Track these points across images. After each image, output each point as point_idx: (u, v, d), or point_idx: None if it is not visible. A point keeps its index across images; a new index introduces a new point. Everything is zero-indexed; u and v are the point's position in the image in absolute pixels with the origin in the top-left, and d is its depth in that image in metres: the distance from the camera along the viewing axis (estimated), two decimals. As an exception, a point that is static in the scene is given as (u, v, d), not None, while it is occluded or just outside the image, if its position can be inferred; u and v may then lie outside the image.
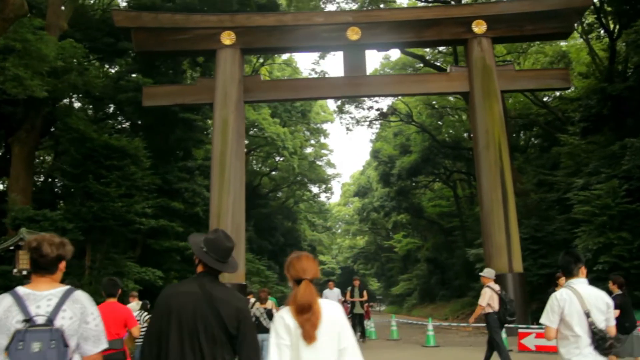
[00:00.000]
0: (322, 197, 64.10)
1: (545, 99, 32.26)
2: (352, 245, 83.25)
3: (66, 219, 14.90)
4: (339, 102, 35.68)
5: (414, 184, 47.94)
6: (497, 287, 9.16)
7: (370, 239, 77.16)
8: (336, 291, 15.11)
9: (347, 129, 37.79)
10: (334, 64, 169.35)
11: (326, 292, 14.94)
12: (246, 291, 15.41)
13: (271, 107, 41.88)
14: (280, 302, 21.93)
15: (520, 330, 12.51)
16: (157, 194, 19.79)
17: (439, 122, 38.53)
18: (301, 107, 42.50)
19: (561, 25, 15.80)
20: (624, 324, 7.83)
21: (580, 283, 4.01)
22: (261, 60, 35.30)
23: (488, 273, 9.46)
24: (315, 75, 35.59)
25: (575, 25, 18.35)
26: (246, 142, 47.68)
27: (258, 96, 16.28)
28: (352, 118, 36.97)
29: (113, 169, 15.67)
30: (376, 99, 35.55)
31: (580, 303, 3.84)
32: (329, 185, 59.92)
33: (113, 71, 20.97)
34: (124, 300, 9.90)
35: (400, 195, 43.81)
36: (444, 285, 49.82)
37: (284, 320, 2.83)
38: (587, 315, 3.80)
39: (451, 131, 36.00)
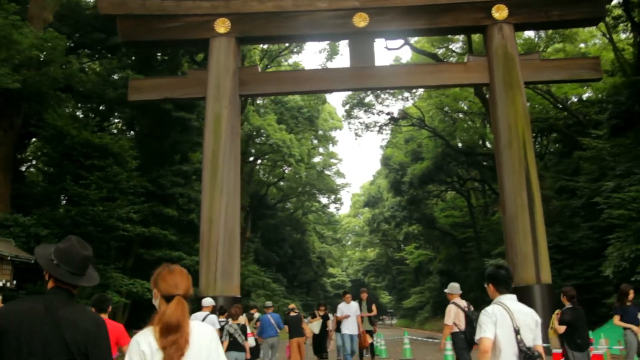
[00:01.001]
0: (332, 208, 62.67)
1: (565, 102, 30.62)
2: (362, 258, 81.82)
3: (41, 225, 13.44)
4: (347, 107, 34.17)
5: (425, 193, 46.37)
6: (463, 303, 8.55)
7: (381, 251, 75.78)
8: (354, 305, 12.98)
9: (356, 134, 36.06)
10: (344, 63, 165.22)
11: (342, 306, 12.96)
12: (240, 304, 13.84)
13: (277, 114, 40.53)
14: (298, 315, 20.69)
15: (554, 351, 10.82)
16: (148, 198, 18.37)
17: (452, 128, 36.89)
18: (308, 112, 41.07)
19: (591, 10, 14.16)
20: (575, 341, 7.34)
21: (510, 299, 3.92)
22: (265, 62, 33.84)
23: (452, 288, 8.85)
24: (324, 90, 34.19)
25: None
26: (252, 150, 46.69)
27: (255, 89, 14.75)
28: (361, 123, 35.51)
29: (94, 170, 14.21)
30: (387, 103, 34.09)
31: (511, 319, 3.76)
32: (338, 196, 58.48)
33: (103, 68, 19.48)
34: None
35: (412, 205, 42.14)
36: (458, 298, 48.28)
37: (139, 345, 2.42)
38: (517, 332, 3.71)
39: (465, 136, 34.29)
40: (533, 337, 3.84)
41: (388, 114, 34.08)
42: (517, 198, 13.13)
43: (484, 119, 33.99)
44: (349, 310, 12.76)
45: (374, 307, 13.67)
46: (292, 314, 13.40)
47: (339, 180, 55.81)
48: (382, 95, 33.23)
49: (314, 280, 65.95)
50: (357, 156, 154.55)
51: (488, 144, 36.29)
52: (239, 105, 14.71)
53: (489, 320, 3.80)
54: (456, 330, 8.43)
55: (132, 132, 19.87)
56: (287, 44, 30.31)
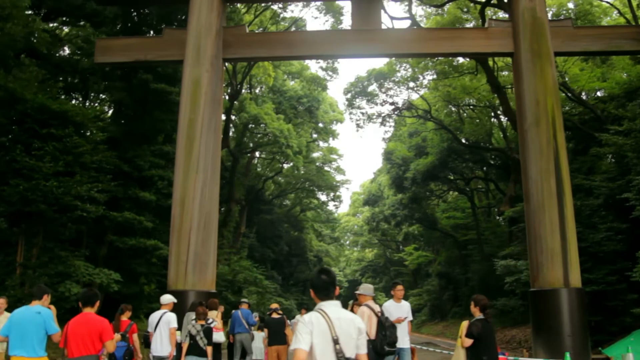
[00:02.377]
0: (331, 206, 60.72)
1: (582, 96, 28.64)
2: (360, 258, 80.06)
3: (-15, 202, 11.48)
4: (349, 95, 32.13)
5: (428, 192, 44.48)
6: (377, 307, 7.72)
7: (380, 251, 74.07)
8: (405, 305, 9.33)
9: (358, 125, 33.91)
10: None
11: (388, 305, 9.12)
12: (217, 300, 11.88)
13: (275, 103, 38.56)
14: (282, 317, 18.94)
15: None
16: (123, 180, 16.40)
17: (458, 123, 34.87)
18: (308, 103, 39.10)
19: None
20: (480, 357, 6.67)
21: (331, 306, 3.70)
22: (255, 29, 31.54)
23: (366, 289, 8.02)
24: (324, 64, 32.19)
25: None
26: (250, 143, 44.74)
27: (241, 52, 12.74)
28: (363, 114, 33.46)
29: (50, 140, 12.24)
30: (391, 93, 32.04)
31: (329, 328, 3.55)
32: (338, 193, 56.58)
33: (78, 36, 17.48)
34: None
35: (413, 203, 40.14)
36: (457, 301, 46.61)
37: None
38: (335, 342, 3.52)
39: (473, 130, 32.21)
40: (355, 346, 3.66)
41: (392, 104, 32.09)
42: (544, 185, 11.15)
43: (493, 113, 32.03)
44: (401, 312, 9.00)
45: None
46: (275, 315, 11.44)
47: (338, 177, 53.84)
48: (386, 85, 31.26)
49: (310, 279, 63.97)
50: (358, 154, 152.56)
51: (494, 142, 34.46)
52: (222, 71, 12.73)
53: (305, 329, 3.57)
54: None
55: (107, 110, 17.94)
56: (279, 4, 27.53)
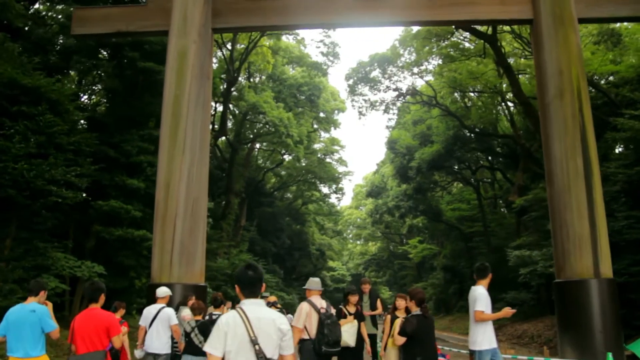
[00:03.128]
0: (333, 199, 59.59)
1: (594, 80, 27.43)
2: (363, 252, 79.08)
3: (-52, 186, 10.36)
4: (351, 81, 30.88)
5: (432, 184, 43.37)
6: (321, 302, 7.10)
7: (383, 245, 73.12)
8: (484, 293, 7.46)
9: (360, 113, 32.68)
10: (347, 36, 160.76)
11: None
12: (206, 293, 10.79)
13: (275, 91, 37.37)
14: (280, 311, 17.92)
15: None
16: (109, 167, 15.28)
17: (465, 111, 33.66)
18: (309, 91, 37.88)
19: None
20: (414, 357, 6.10)
21: (252, 304, 3.54)
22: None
23: (311, 283, 7.41)
24: (325, 49, 30.95)
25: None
26: (250, 135, 43.56)
27: (232, 22, 11.56)
28: (365, 101, 32.18)
29: (21, 118, 11.10)
30: (394, 79, 30.81)
31: (247, 328, 3.41)
32: (340, 185, 55.40)
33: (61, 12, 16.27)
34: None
35: (418, 193, 39.00)
36: (462, 295, 45.61)
37: None
38: (254, 342, 3.38)
39: (480, 116, 30.95)
40: (277, 347, 3.50)
41: (396, 90, 30.82)
42: (570, 164, 9.97)
43: (501, 98, 30.79)
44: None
45: (379, 303, 10.47)
46: (273, 309, 10.28)
47: (341, 168, 52.64)
48: (390, 70, 30.02)
49: (313, 273, 63.30)
50: (360, 145, 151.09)
51: (500, 132, 33.30)
52: (211, 42, 11.56)
53: (219, 332, 3.43)
54: (305, 337, 6.86)
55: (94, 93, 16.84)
56: None
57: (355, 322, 8.08)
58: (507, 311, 7.09)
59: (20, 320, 5.83)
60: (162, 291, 8.70)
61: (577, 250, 9.69)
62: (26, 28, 13.85)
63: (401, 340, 6.18)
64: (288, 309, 44.46)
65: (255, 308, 3.52)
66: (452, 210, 45.01)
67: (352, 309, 8.17)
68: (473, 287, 7.32)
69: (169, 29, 11.18)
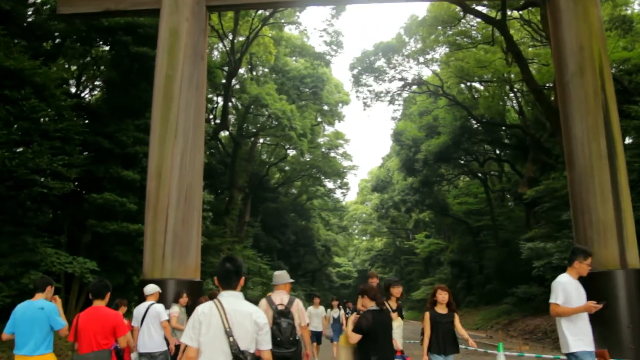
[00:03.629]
0: (338, 194, 58.85)
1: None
2: (369, 247, 78.35)
3: None
4: (355, 71, 30.10)
5: (438, 178, 42.58)
6: (283, 298, 6.36)
7: (389, 240, 72.40)
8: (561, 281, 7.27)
9: (365, 104, 31.90)
10: (351, 22, 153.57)
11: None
12: (202, 289, 10.11)
13: (277, 84, 36.64)
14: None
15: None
16: (103, 157, 14.62)
17: (472, 102, 32.85)
18: (312, 83, 37.12)
19: None
20: (369, 356, 5.61)
21: (229, 296, 3.58)
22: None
23: (277, 277, 6.78)
24: (328, 38, 30.17)
25: None
26: (253, 130, 42.83)
27: (227, -1, 10.90)
28: (370, 92, 31.39)
29: (3, 102, 10.42)
30: (400, 68, 30.02)
31: (222, 319, 3.43)
32: (345, 180, 54.70)
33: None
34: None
35: (425, 187, 38.21)
36: (470, 290, 44.87)
37: None
38: (229, 334, 3.39)
39: (490, 104, 30.08)
40: (253, 341, 3.50)
41: (401, 79, 30.01)
42: (592, 145, 9.22)
43: (509, 87, 29.97)
44: None
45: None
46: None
47: (345, 163, 51.86)
48: (395, 59, 29.22)
49: (319, 269, 62.96)
50: (365, 139, 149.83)
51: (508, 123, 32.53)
52: (206, 21, 10.82)
53: (194, 322, 3.48)
54: None
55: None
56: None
57: (401, 320, 7.42)
58: (590, 305, 5.71)
59: (28, 318, 5.74)
60: (150, 288, 8.22)
61: (601, 239, 8.95)
62: (15, 11, 13.17)
63: (356, 337, 5.66)
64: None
65: (232, 300, 3.53)
66: (459, 204, 44.35)
67: (394, 305, 7.28)
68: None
69: (160, 7, 10.49)
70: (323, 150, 50.22)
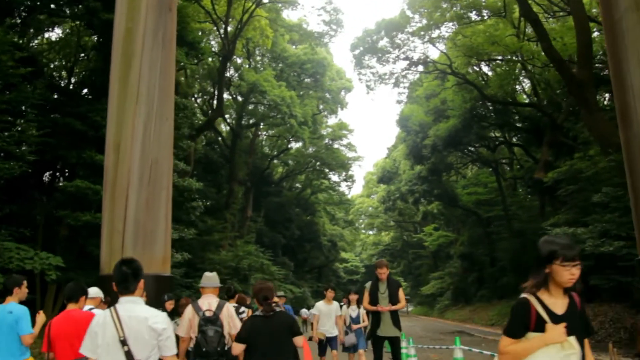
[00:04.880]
0: (343, 187, 57.19)
1: None
2: (376, 242, 76.81)
3: None
4: (356, 52, 28.23)
5: (447, 166, 40.77)
6: (211, 303, 5.67)
7: (397, 234, 70.89)
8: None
9: (368, 87, 30.02)
10: (351, 2, 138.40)
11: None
12: (171, 286, 8.35)
13: (276, 70, 34.87)
14: (292, 306, 15.80)
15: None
16: (74, 141, 12.89)
17: (482, 84, 30.98)
18: (312, 69, 35.30)
19: None
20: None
21: (127, 302, 3.34)
22: None
23: (205, 279, 6.00)
24: (327, 17, 28.32)
25: None
26: (252, 121, 41.11)
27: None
28: (373, 74, 29.50)
29: None
30: (404, 48, 28.12)
31: (117, 328, 3.24)
32: (350, 173, 53.00)
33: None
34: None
35: (433, 175, 36.38)
36: (482, 284, 43.10)
37: None
38: (123, 342, 3.19)
39: (501, 82, 28.10)
40: (153, 348, 3.29)
41: (406, 59, 28.07)
42: (655, 97, 7.39)
43: (521, 67, 28.05)
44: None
45: (401, 294, 7.67)
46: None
47: (350, 154, 50.08)
48: (399, 38, 27.31)
49: (325, 265, 61.56)
50: (370, 130, 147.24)
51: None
52: (174, -36, 9.02)
53: (91, 332, 3.31)
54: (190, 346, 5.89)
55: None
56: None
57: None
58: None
59: None
60: (92, 292, 6.47)
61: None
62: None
63: (238, 348, 4.80)
64: (300, 303, 42.49)
65: (130, 306, 3.33)
66: (468, 195, 42.65)
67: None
68: None
69: (120, -51, 8.70)
70: (326, 141, 48.61)
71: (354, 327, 9.34)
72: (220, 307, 5.71)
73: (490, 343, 18.82)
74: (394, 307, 7.39)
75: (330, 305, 9.47)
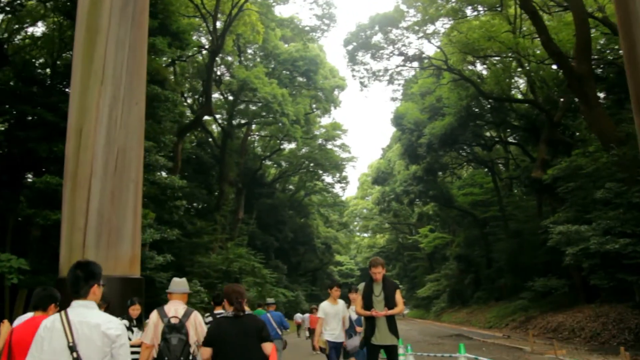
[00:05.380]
0: (337, 188, 56.59)
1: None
2: (371, 244, 76.05)
3: None
4: (350, 47, 27.42)
5: (442, 167, 40.09)
6: (178, 310, 5.34)
7: (392, 236, 70.24)
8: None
9: (362, 84, 29.25)
10: None
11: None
12: (141, 289, 7.47)
13: (268, 68, 34.06)
14: (286, 310, 15.01)
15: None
16: (45, 133, 12.05)
17: (478, 81, 30.25)
18: (305, 67, 34.51)
19: None
20: None
21: (79, 307, 3.14)
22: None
23: (173, 285, 5.69)
24: (319, 11, 27.53)
25: None
26: (242, 121, 40.23)
27: None
28: (367, 70, 28.67)
29: None
30: (398, 45, 27.38)
31: (66, 333, 3.04)
32: (344, 174, 52.44)
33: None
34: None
35: (429, 175, 35.66)
36: (479, 285, 42.46)
37: None
38: (72, 349, 3.00)
39: (498, 78, 27.37)
40: (106, 355, 3.08)
41: (401, 54, 27.23)
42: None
43: (518, 64, 27.38)
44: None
45: (398, 296, 6.65)
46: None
47: (344, 155, 49.34)
48: (393, 33, 26.54)
49: (320, 268, 60.87)
50: (364, 131, 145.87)
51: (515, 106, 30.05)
52: None
53: (37, 338, 3.12)
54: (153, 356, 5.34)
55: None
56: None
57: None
58: None
59: None
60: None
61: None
62: None
63: (206, 352, 4.45)
64: (294, 307, 41.62)
65: (82, 311, 3.14)
66: (464, 196, 42.24)
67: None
68: None
69: None
70: (320, 142, 47.93)
71: (358, 329, 8.10)
72: (187, 315, 5.35)
73: (491, 347, 18.06)
74: (390, 312, 6.44)
75: (336, 305, 8.09)
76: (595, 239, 14.11)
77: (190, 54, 27.85)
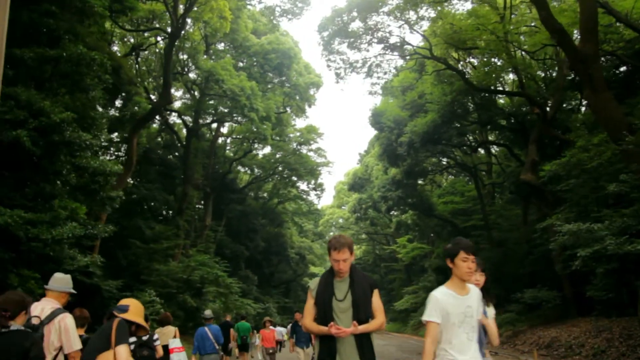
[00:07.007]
0: (312, 196, 54.16)
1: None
2: (347, 256, 73.30)
3: None
4: (325, 35, 24.97)
5: (421, 175, 37.90)
6: (45, 309, 4.72)
7: (368, 247, 68.11)
8: None
9: (337, 75, 26.75)
10: None
11: None
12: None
13: (238, 60, 31.54)
14: (255, 324, 13.68)
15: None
16: None
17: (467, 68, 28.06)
18: (277, 60, 32.06)
19: None
20: None
21: None
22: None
23: (56, 280, 5.03)
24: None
25: None
26: (209, 120, 37.51)
27: None
28: (344, 61, 26.25)
29: None
30: (379, 34, 25.06)
31: None
32: (320, 181, 50.03)
33: None
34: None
35: (409, 178, 33.30)
36: (459, 299, 40.23)
37: None
38: None
39: (489, 70, 25.16)
40: None
41: (381, 41, 24.87)
42: None
43: (506, 55, 25.26)
44: None
45: (377, 301, 4.09)
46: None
47: (319, 160, 46.93)
48: (373, 20, 24.18)
49: (294, 280, 58.35)
50: (341, 135, 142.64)
51: (504, 104, 28.04)
52: None
53: None
54: None
55: None
56: None
57: None
58: None
59: None
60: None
61: None
62: None
63: None
64: (262, 319, 38.92)
65: None
66: (444, 204, 40.23)
67: None
68: None
69: None
70: (294, 145, 45.40)
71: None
72: (52, 316, 4.64)
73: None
74: (362, 329, 3.85)
75: None
76: (612, 239, 11.75)
77: (148, 36, 25.22)
